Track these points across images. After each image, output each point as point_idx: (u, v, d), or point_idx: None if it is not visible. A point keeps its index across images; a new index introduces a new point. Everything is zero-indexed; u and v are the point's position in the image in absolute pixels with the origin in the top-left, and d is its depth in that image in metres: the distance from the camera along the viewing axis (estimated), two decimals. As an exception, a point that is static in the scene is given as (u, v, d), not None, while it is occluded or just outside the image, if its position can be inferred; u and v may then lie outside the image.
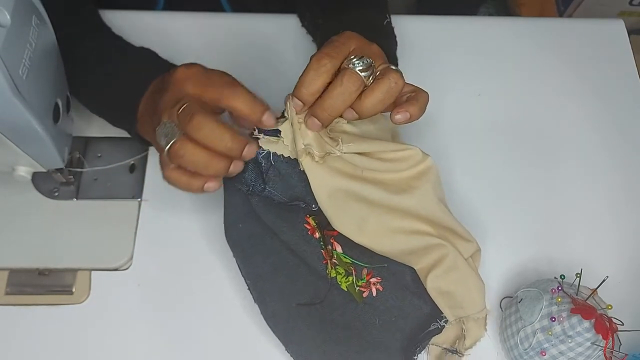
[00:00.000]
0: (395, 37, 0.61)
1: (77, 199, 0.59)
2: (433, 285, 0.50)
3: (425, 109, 0.49)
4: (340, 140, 0.48)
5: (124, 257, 0.57)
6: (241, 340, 0.54)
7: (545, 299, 0.50)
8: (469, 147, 0.65)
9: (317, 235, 0.51)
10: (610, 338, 0.47)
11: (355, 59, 0.46)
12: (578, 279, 0.50)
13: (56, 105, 0.50)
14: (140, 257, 0.58)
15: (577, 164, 0.65)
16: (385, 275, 0.52)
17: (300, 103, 0.47)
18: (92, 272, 0.57)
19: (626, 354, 0.50)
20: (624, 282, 0.59)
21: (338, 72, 0.46)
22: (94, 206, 0.59)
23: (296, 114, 0.47)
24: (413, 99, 0.48)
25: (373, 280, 0.52)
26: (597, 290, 0.50)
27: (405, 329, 0.52)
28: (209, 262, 0.57)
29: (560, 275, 0.52)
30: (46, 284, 0.56)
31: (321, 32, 0.63)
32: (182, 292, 0.56)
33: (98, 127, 0.61)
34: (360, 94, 0.46)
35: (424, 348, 0.52)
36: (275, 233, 0.51)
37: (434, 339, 0.53)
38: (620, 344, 0.49)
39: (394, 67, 0.47)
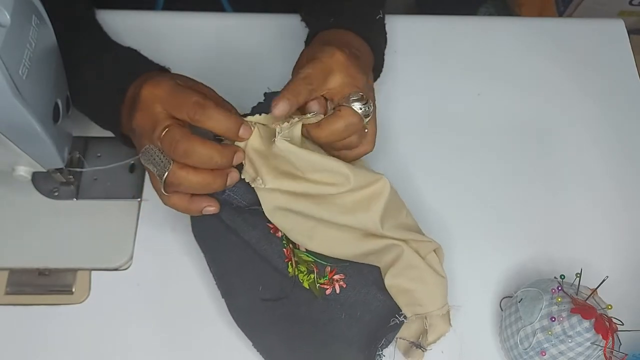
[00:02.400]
0: (385, 34, 0.61)
1: (77, 199, 0.59)
2: (391, 283, 0.51)
3: (359, 158, 0.53)
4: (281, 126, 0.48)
5: (124, 257, 0.57)
6: (241, 340, 0.54)
7: (545, 299, 0.50)
8: (468, 147, 0.65)
9: (280, 234, 0.52)
10: (610, 338, 0.47)
11: (358, 104, 0.48)
12: (578, 279, 0.50)
13: (56, 105, 0.50)
14: (140, 257, 0.58)
15: (577, 164, 0.65)
16: (350, 272, 0.52)
17: (287, 107, 0.47)
18: (92, 272, 0.57)
19: (626, 354, 0.50)
20: (624, 282, 0.59)
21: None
22: (94, 206, 0.59)
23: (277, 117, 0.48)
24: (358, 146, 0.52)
25: (336, 277, 0.52)
26: (597, 290, 0.50)
27: (371, 323, 0.52)
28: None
29: (560, 275, 0.52)
30: (46, 284, 0.56)
31: (313, 19, 0.62)
32: (182, 292, 0.56)
33: (98, 127, 0.61)
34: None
35: (389, 342, 0.52)
36: (237, 232, 0.52)
37: (401, 333, 0.53)
38: (620, 344, 0.49)
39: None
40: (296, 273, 0.52)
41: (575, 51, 0.72)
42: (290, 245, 0.53)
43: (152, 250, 0.58)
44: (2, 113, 0.43)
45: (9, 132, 0.46)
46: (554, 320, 0.48)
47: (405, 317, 0.51)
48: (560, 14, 1.40)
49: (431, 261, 0.53)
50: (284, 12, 0.71)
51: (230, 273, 0.53)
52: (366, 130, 0.51)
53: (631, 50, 0.72)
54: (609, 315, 0.49)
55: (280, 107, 0.46)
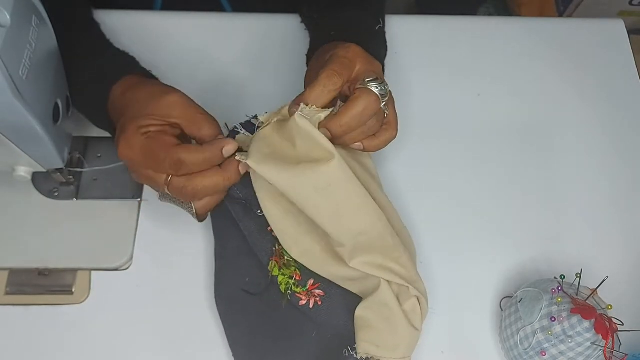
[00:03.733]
0: (385, 43, 0.61)
1: (77, 199, 0.59)
2: (360, 314, 0.50)
3: (386, 145, 0.52)
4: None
5: (124, 257, 0.57)
6: (241, 340, 0.54)
7: (545, 299, 0.50)
8: (468, 147, 0.65)
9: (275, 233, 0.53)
10: (610, 338, 0.47)
11: (374, 83, 0.47)
12: (578, 279, 0.50)
13: (56, 105, 0.50)
14: (140, 257, 0.58)
15: (577, 164, 0.65)
16: (332, 293, 0.52)
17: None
18: (92, 272, 0.56)
19: (626, 354, 0.50)
20: (624, 282, 0.59)
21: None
22: (94, 206, 0.59)
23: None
24: (381, 132, 0.51)
25: (317, 292, 0.52)
26: (597, 290, 0.50)
27: (337, 350, 0.51)
28: (208, 262, 0.57)
29: (560, 275, 0.52)
30: (46, 284, 0.56)
31: (314, 29, 0.63)
32: (182, 293, 0.56)
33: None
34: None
35: None
36: (236, 221, 0.53)
37: None
38: (620, 344, 0.49)
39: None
40: (276, 274, 0.52)
41: (575, 51, 0.72)
42: (277, 246, 0.53)
43: (152, 251, 0.58)
44: (2, 113, 0.43)
45: (9, 132, 0.46)
46: (554, 321, 0.48)
47: (356, 352, 0.50)
48: (560, 14, 1.40)
49: (409, 310, 0.50)
50: (283, 12, 0.71)
51: (224, 258, 0.54)
52: (386, 114, 0.50)
53: (631, 50, 0.72)
54: (609, 315, 0.49)
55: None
